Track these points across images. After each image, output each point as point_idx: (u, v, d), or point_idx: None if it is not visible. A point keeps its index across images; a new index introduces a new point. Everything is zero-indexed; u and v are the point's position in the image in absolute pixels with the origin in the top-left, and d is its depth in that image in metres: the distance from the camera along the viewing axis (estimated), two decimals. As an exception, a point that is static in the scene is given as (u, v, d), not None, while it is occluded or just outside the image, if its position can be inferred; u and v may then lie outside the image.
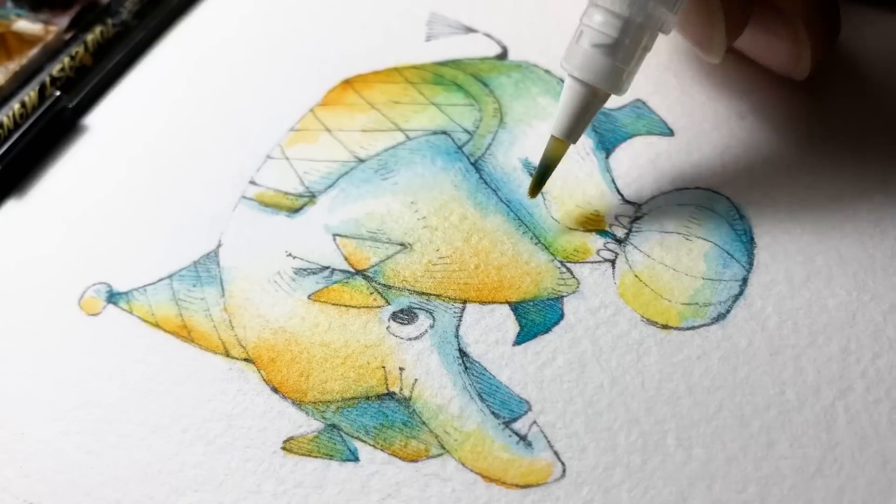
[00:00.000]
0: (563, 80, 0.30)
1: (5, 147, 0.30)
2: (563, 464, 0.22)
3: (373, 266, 0.26)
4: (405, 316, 0.25)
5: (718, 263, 0.25)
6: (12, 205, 0.30)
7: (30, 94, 0.31)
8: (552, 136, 0.25)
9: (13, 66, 0.32)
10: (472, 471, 0.22)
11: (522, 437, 0.23)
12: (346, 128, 0.30)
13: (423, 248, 0.27)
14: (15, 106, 0.31)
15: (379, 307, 0.25)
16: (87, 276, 0.27)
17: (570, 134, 0.25)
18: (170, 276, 0.27)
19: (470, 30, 0.33)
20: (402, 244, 0.27)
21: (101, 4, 0.34)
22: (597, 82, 0.24)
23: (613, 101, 0.30)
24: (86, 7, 0.34)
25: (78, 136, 0.31)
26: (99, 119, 0.32)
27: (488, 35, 0.32)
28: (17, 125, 0.31)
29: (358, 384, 0.24)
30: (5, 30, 0.33)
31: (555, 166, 0.26)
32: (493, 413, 0.23)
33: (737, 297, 0.25)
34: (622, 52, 0.24)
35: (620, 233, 0.26)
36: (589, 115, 0.25)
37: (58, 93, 0.32)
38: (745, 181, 0.27)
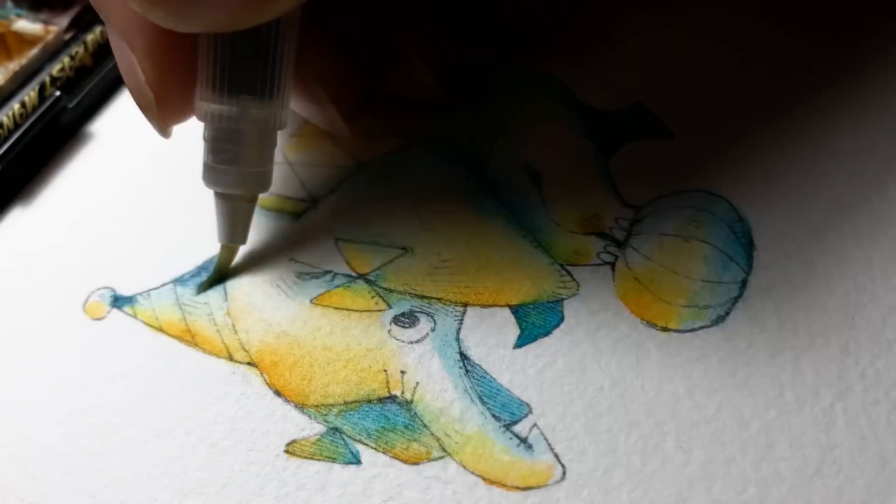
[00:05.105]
0: (564, 83, 0.31)
1: (5, 147, 0.30)
2: (563, 466, 0.22)
3: (374, 270, 0.26)
4: (406, 319, 0.25)
5: (718, 265, 0.26)
6: (18, 210, 0.30)
7: (30, 94, 0.31)
8: (221, 245, 0.26)
9: (13, 66, 0.32)
10: (473, 473, 0.23)
11: (523, 440, 0.23)
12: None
13: (424, 252, 0.27)
14: (15, 106, 0.31)
15: (380, 311, 0.26)
16: (92, 280, 0.27)
17: (234, 238, 0.26)
18: (174, 281, 0.27)
19: (470, 35, 0.33)
20: (403, 248, 0.27)
21: (101, 5, 0.34)
22: (235, 191, 0.25)
23: (612, 104, 0.30)
24: (86, 7, 0.34)
25: (82, 141, 0.32)
26: (103, 125, 0.32)
27: (488, 40, 0.32)
28: (17, 125, 0.31)
29: (360, 388, 0.24)
30: (5, 30, 0.33)
31: (227, 268, 0.27)
32: (493, 416, 0.23)
33: (736, 298, 0.25)
34: (244, 159, 0.24)
35: (620, 235, 0.27)
36: (244, 218, 0.26)
37: (58, 93, 0.32)
38: (745, 183, 0.27)
